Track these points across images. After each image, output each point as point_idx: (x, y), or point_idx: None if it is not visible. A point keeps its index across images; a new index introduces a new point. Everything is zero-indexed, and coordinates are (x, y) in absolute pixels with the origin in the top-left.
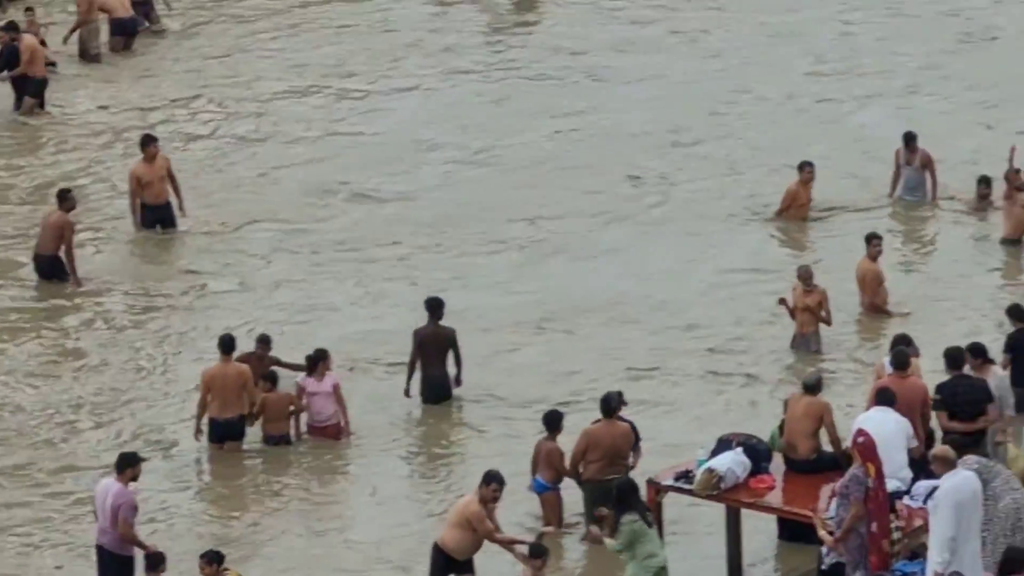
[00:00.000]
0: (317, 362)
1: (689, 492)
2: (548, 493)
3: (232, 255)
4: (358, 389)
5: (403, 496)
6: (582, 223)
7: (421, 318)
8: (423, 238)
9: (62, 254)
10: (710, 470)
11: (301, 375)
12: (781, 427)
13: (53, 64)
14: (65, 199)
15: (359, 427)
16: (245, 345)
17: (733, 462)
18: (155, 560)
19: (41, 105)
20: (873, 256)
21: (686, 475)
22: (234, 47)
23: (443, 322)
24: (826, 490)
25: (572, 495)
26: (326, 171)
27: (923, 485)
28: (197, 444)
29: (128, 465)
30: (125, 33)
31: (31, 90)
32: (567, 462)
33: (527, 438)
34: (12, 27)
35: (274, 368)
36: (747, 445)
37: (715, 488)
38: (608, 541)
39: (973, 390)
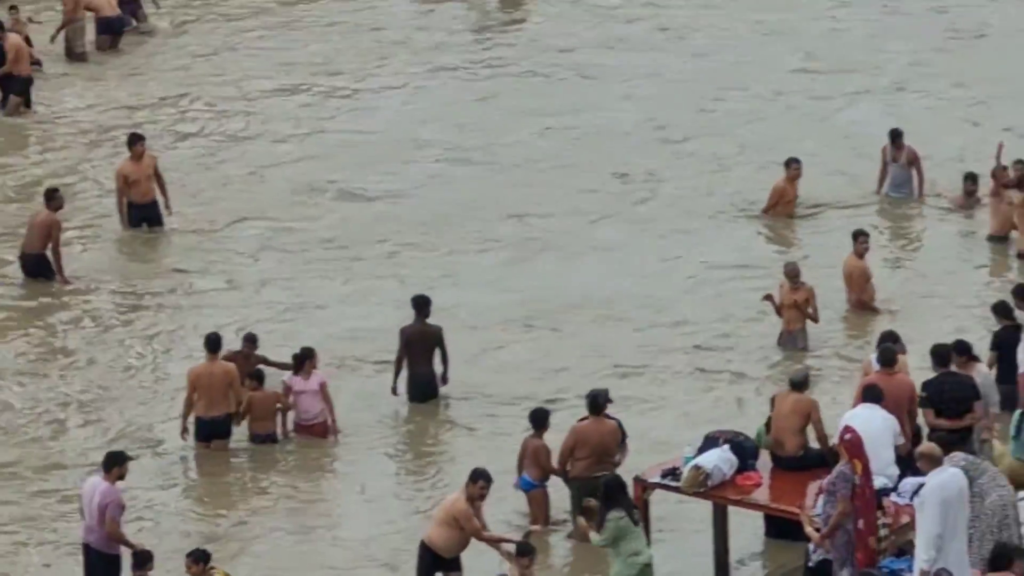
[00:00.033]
0: (303, 361)
1: (676, 489)
2: (535, 491)
3: (219, 253)
4: (346, 387)
5: (390, 494)
6: (571, 221)
7: (409, 316)
8: (411, 236)
9: (49, 253)
10: (697, 467)
11: (288, 374)
12: (768, 424)
13: (38, 63)
14: (53, 198)
15: (346, 425)
16: (233, 344)
17: (720, 459)
18: (142, 558)
19: (27, 104)
20: (860, 253)
21: (673, 472)
22: (222, 45)
23: (431, 320)
24: (813, 487)
25: (559, 492)
26: (314, 169)
27: (910, 482)
28: (184, 443)
29: (115, 464)
30: (111, 32)
31: (16, 89)
32: (554, 460)
33: (514, 435)
34: None
35: (260, 367)
36: (734, 442)
37: (702, 485)
38: (593, 535)
39: (960, 387)
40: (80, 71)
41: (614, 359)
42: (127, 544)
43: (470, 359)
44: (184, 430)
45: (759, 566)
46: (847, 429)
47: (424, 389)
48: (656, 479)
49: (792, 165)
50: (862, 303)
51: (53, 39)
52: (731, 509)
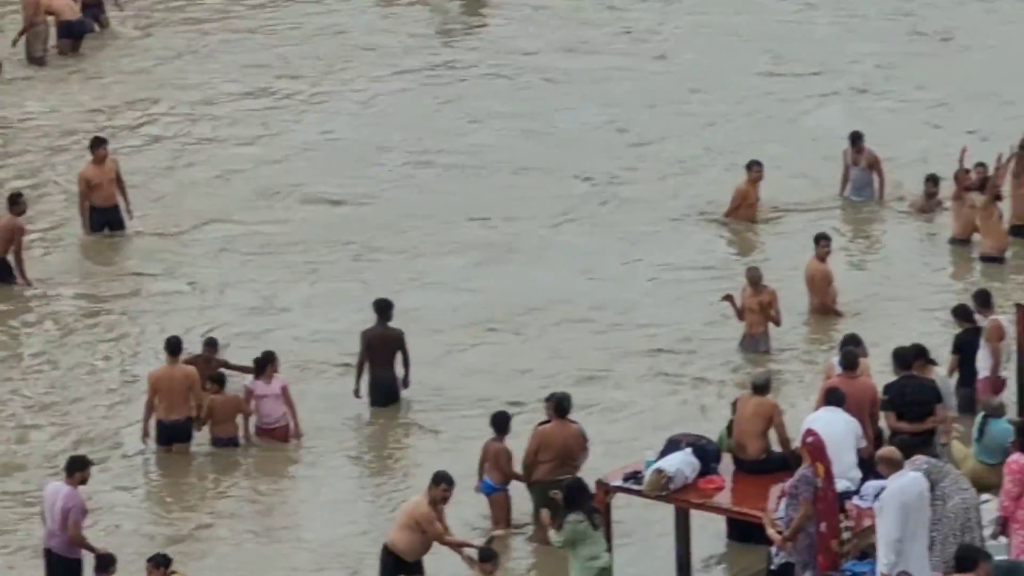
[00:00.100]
0: (265, 364)
1: (638, 493)
2: (496, 494)
3: (183, 257)
4: (310, 390)
5: (353, 497)
6: (534, 224)
7: (373, 319)
8: (375, 239)
9: (10, 257)
10: (659, 471)
11: (249, 378)
12: (730, 427)
13: None
14: (16, 202)
15: (309, 428)
16: (195, 347)
17: (682, 463)
18: (105, 562)
19: None
20: (822, 257)
21: (635, 476)
22: (185, 49)
23: (394, 322)
24: (775, 490)
25: (522, 494)
26: (278, 172)
27: (872, 485)
28: (145, 446)
29: (78, 468)
30: (72, 36)
31: None
32: (516, 463)
33: (477, 439)
34: None
35: (222, 370)
36: (696, 446)
37: (664, 489)
38: (552, 533)
39: (921, 390)
40: (42, 75)
41: (577, 362)
42: (90, 548)
43: (433, 362)
44: (145, 434)
45: (721, 569)
46: (809, 432)
47: (386, 393)
48: (618, 483)
49: (753, 167)
50: (824, 306)
51: (15, 43)
52: (693, 512)
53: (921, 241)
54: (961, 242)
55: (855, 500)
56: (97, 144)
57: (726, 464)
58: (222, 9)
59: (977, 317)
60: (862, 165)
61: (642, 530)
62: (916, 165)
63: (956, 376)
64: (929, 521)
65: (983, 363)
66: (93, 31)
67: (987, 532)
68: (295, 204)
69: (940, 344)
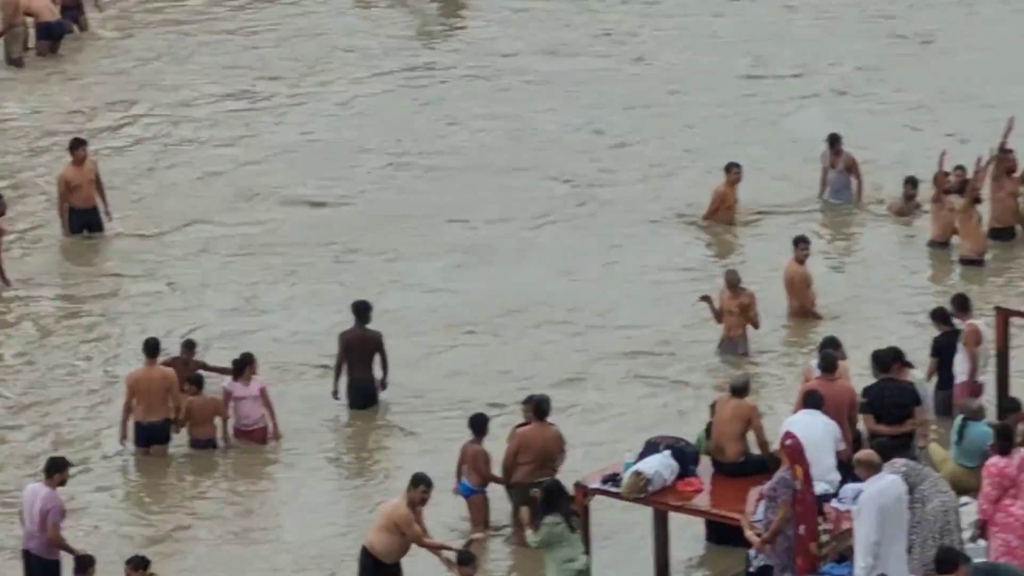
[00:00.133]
0: (244, 366)
1: (617, 495)
2: (475, 496)
3: (162, 258)
4: (289, 392)
5: (332, 499)
6: (513, 225)
7: (353, 321)
8: (355, 241)
9: None
10: (637, 473)
11: (228, 379)
12: (708, 430)
13: None
14: None
15: (288, 430)
16: (174, 348)
17: (661, 465)
18: (84, 563)
19: None
20: (801, 259)
21: (614, 478)
22: (166, 51)
23: (374, 324)
24: (754, 493)
25: (500, 496)
26: (258, 174)
27: (851, 488)
28: (123, 448)
29: (56, 470)
30: (51, 37)
31: None
32: (494, 465)
33: (456, 440)
34: None
35: (200, 372)
36: (674, 448)
37: (642, 491)
38: (529, 532)
39: (900, 393)
40: (21, 76)
41: (556, 364)
42: (69, 550)
43: (412, 363)
44: (123, 435)
45: (700, 572)
46: (788, 435)
47: (363, 395)
48: (596, 485)
49: (732, 169)
50: (803, 309)
51: None
52: (672, 515)
53: (900, 244)
54: (940, 245)
55: (834, 503)
56: (77, 145)
57: (705, 466)
58: (202, 11)
59: (955, 320)
60: (840, 168)
61: (621, 532)
62: (896, 167)
63: (935, 379)
64: (907, 524)
65: (960, 367)
66: (72, 32)
67: (966, 535)
68: (275, 205)
69: (919, 347)
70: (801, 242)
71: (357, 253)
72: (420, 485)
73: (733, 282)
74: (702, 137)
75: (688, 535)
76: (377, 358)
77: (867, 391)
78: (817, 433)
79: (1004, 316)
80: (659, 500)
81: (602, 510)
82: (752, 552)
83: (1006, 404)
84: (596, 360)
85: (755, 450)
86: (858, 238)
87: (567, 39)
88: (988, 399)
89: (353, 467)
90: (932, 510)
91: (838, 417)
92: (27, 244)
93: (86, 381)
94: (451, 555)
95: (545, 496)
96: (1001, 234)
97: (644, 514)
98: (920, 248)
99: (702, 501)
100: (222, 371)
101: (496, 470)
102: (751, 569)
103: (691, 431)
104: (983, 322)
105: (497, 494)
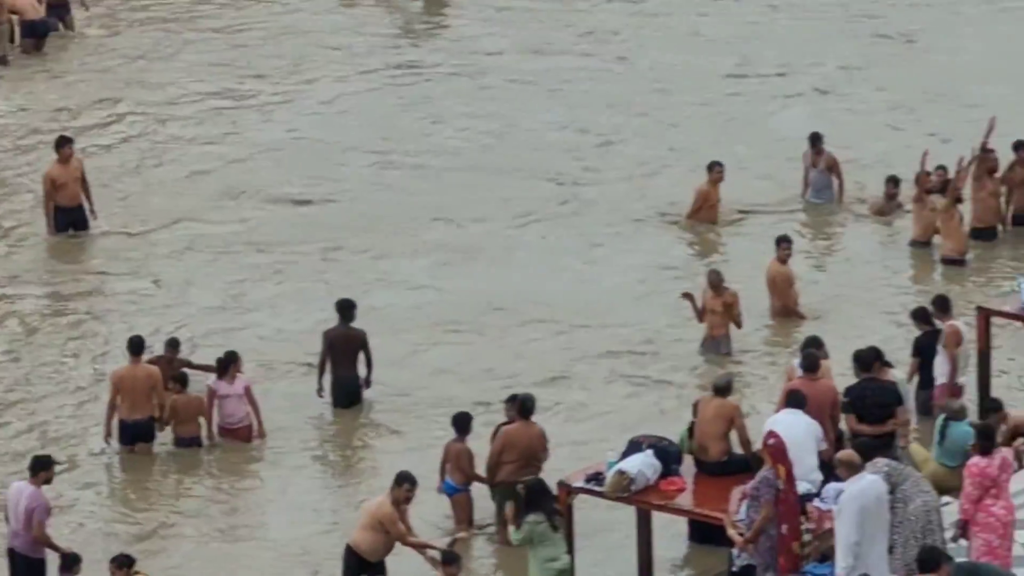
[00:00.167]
0: (228, 364)
1: (600, 494)
2: (458, 495)
3: (147, 257)
4: (275, 390)
5: (317, 497)
6: (499, 224)
7: (338, 319)
8: (341, 239)
9: None
10: (620, 472)
11: (212, 377)
12: (691, 429)
13: None
14: None
15: (273, 428)
16: (159, 346)
17: (643, 464)
18: (70, 561)
19: None
20: (783, 259)
21: (597, 477)
22: (151, 49)
23: (359, 322)
24: (737, 492)
25: (484, 494)
26: (244, 172)
27: (833, 487)
28: (108, 446)
29: (42, 468)
30: (36, 35)
31: None
32: (479, 463)
33: (442, 439)
34: None
35: (184, 370)
36: (657, 447)
37: (626, 490)
38: (511, 529)
39: (882, 392)
40: (6, 74)
41: (540, 363)
42: (54, 548)
43: (398, 362)
44: (108, 433)
45: (683, 571)
46: (770, 434)
47: (348, 393)
48: (580, 484)
49: (715, 168)
50: (786, 309)
51: None
52: (655, 514)
53: (882, 243)
54: (922, 244)
55: (816, 502)
56: (62, 143)
57: (687, 466)
58: (188, 9)
59: (937, 321)
60: (821, 167)
61: (604, 531)
62: (878, 167)
63: (916, 379)
64: (888, 524)
65: (940, 369)
66: (57, 30)
67: (948, 535)
68: (261, 204)
69: (901, 347)
70: (783, 242)
71: (342, 251)
72: (404, 483)
73: (715, 282)
74: (686, 136)
75: (671, 534)
76: (362, 357)
77: (849, 391)
78: (799, 432)
79: (985, 316)
80: (642, 499)
81: (585, 509)
82: (735, 551)
83: (987, 404)
84: (580, 359)
85: (738, 449)
86: (840, 237)
87: (551, 38)
88: (970, 398)
89: (338, 465)
90: (914, 510)
91: (820, 417)
92: (13, 242)
93: (72, 379)
94: (435, 554)
95: (528, 495)
96: (982, 234)
97: (627, 513)
98: (902, 248)
99: (685, 500)
100: (206, 369)
101: (480, 469)
102: (734, 568)
103: (674, 430)
104: (963, 323)
105: (481, 492)
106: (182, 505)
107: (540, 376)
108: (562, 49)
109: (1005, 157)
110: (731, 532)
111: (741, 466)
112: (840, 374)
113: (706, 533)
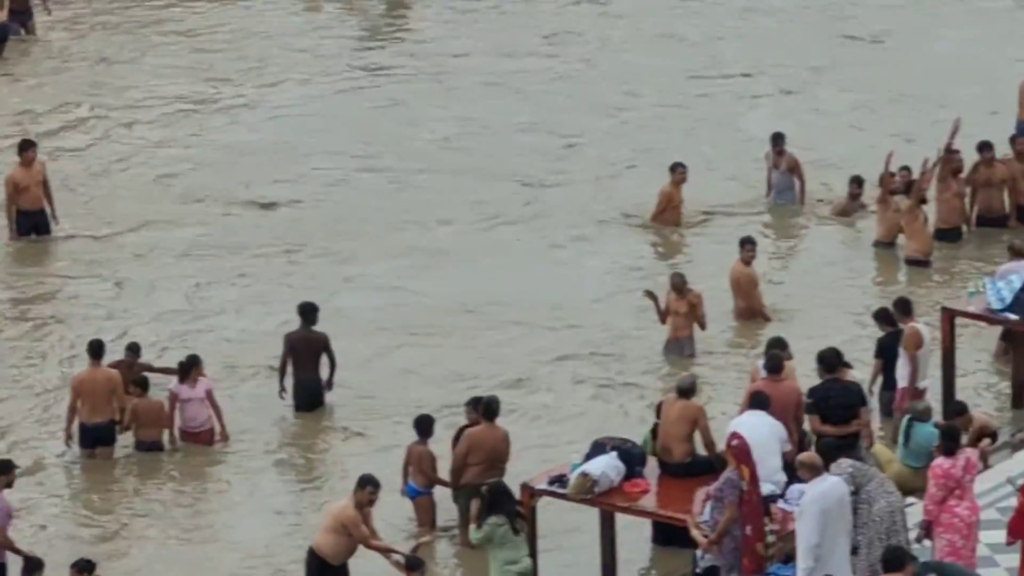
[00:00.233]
0: (189, 368)
1: (563, 496)
2: (421, 497)
3: (111, 260)
4: (239, 392)
5: (280, 499)
6: (466, 227)
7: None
8: (308, 242)
9: None
10: (584, 474)
11: (174, 381)
12: (654, 431)
13: None
14: None
15: (236, 430)
16: (120, 351)
17: (607, 466)
18: (33, 565)
19: None
20: (747, 260)
21: (560, 479)
22: (116, 53)
23: (325, 324)
24: (700, 493)
25: (447, 496)
26: (209, 175)
27: (797, 488)
28: (68, 449)
29: (2, 472)
30: None
31: None
32: (442, 466)
33: (406, 442)
34: None
35: (145, 374)
36: (621, 449)
37: (589, 492)
38: (472, 528)
39: (845, 393)
40: None
41: (503, 366)
42: (17, 551)
43: (363, 364)
44: (68, 437)
45: (647, 573)
46: (734, 435)
47: (309, 396)
48: (543, 486)
49: (677, 169)
50: (751, 310)
51: None
52: (618, 516)
53: (846, 244)
54: (886, 245)
55: (780, 503)
56: (26, 147)
57: (651, 468)
58: (152, 13)
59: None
60: (783, 168)
61: (568, 533)
62: (844, 167)
63: (880, 380)
64: (851, 526)
65: (901, 371)
66: (18, 35)
67: (912, 535)
68: (225, 206)
69: (866, 348)
70: (747, 243)
71: (308, 254)
72: (367, 486)
73: (678, 284)
74: (653, 137)
75: (635, 536)
76: (325, 360)
77: (812, 392)
78: (763, 434)
79: (949, 316)
80: (606, 501)
81: (549, 511)
82: (699, 553)
83: (953, 407)
84: (544, 361)
85: (702, 451)
86: (804, 239)
87: (519, 39)
88: (934, 397)
89: (301, 468)
90: (879, 511)
91: (784, 418)
92: None
93: (35, 383)
94: (399, 558)
95: (490, 497)
96: (947, 235)
97: (591, 515)
98: (866, 248)
99: (649, 502)
100: (168, 371)
101: (442, 472)
102: (698, 570)
103: (638, 432)
104: (925, 324)
105: (443, 495)
106: (144, 508)
107: (505, 378)
108: (528, 51)
109: (970, 158)
110: (695, 533)
111: (705, 467)
112: (804, 375)
113: (670, 535)
